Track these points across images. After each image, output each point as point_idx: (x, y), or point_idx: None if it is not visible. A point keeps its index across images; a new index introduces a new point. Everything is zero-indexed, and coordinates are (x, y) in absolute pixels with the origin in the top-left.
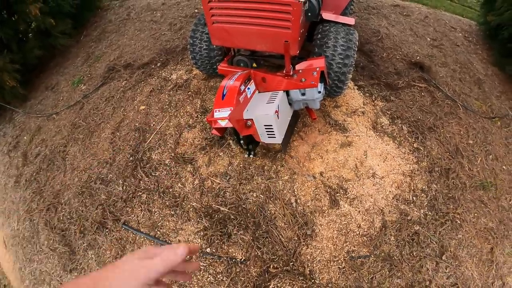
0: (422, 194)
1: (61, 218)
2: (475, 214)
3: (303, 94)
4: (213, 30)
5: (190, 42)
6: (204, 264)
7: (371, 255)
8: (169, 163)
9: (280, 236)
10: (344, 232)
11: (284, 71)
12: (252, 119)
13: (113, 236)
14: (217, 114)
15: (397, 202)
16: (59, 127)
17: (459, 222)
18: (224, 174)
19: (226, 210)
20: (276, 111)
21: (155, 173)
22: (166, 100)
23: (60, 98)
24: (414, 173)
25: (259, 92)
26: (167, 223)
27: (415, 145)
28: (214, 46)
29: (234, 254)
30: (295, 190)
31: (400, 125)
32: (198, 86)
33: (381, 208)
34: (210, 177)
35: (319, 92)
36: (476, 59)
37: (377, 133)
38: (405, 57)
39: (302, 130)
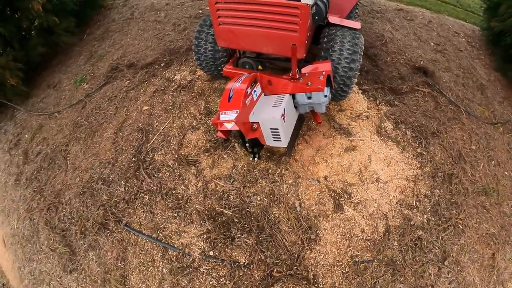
0: (425, 199)
1: (62, 218)
2: (477, 220)
3: (309, 98)
4: (219, 32)
5: (195, 43)
6: (207, 268)
7: (374, 260)
8: (172, 164)
9: (284, 240)
10: (348, 237)
11: (290, 74)
12: (258, 122)
13: (114, 237)
14: (223, 117)
15: (400, 207)
16: (60, 126)
17: (461, 227)
18: (228, 176)
19: (230, 213)
20: (283, 115)
21: (158, 175)
22: (170, 101)
23: (62, 97)
24: (418, 178)
25: (265, 95)
26: (170, 225)
27: (418, 150)
28: (219, 48)
29: (237, 257)
30: (300, 194)
31: (404, 130)
32: (202, 88)
33: (384, 213)
34: (213, 179)
35: (325, 96)
36: (479, 64)
37: (381, 138)
38: (409, 61)
39: (306, 133)
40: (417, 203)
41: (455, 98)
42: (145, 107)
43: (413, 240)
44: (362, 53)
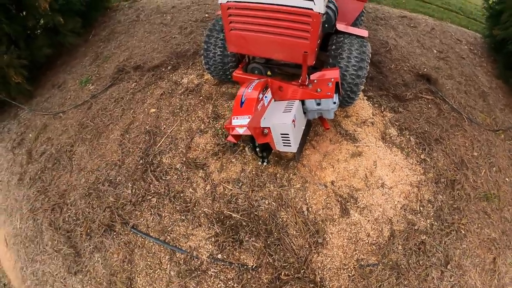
0: (429, 205)
1: (67, 219)
2: (479, 225)
3: (318, 104)
4: (231, 37)
5: (204, 47)
6: (215, 271)
7: (379, 264)
8: (180, 167)
9: (292, 243)
10: (354, 241)
11: (299, 81)
12: (269, 128)
13: (121, 239)
14: (235, 122)
15: (404, 212)
16: (65, 126)
17: (463, 232)
18: (236, 180)
19: (238, 216)
20: (293, 120)
21: (166, 177)
22: (177, 104)
23: (67, 97)
24: (421, 184)
25: (275, 101)
26: (178, 228)
27: (422, 156)
28: (228, 52)
29: (245, 260)
30: (307, 198)
31: (408, 136)
32: (209, 91)
33: (389, 218)
34: (222, 183)
35: (334, 103)
36: (481, 71)
37: (386, 144)
38: (413, 68)
39: (314, 139)
40: (421, 208)
41: (458, 105)
42: (152, 110)
43: (417, 244)
44: (369, 61)
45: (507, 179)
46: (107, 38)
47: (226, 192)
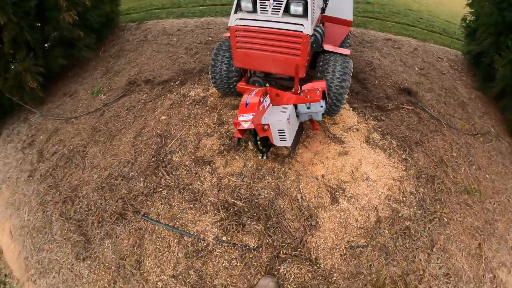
0: (411, 196)
1: (78, 210)
2: (461, 214)
3: (308, 108)
4: (237, 54)
5: (211, 64)
6: (220, 251)
7: (368, 245)
8: (189, 164)
9: (289, 226)
10: (344, 225)
11: (293, 90)
12: (268, 124)
13: (132, 226)
14: (241, 118)
15: (388, 201)
16: (78, 130)
17: (446, 220)
18: (239, 173)
19: (241, 204)
20: (288, 119)
21: (176, 173)
22: (186, 113)
23: (79, 105)
24: (403, 179)
25: (273, 105)
26: (186, 215)
27: (403, 156)
28: (233, 68)
29: (247, 242)
30: (301, 188)
31: (390, 140)
32: (214, 103)
33: (375, 206)
34: (227, 176)
35: (322, 106)
36: (461, 85)
37: (370, 146)
38: (395, 84)
39: (306, 140)
40: (404, 198)
41: (437, 113)
42: (163, 117)
43: (402, 229)
44: (351, 74)
45: (487, 175)
46: (116, 54)
47: (230, 183)
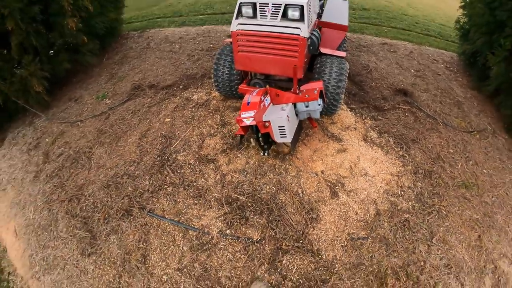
0: (409, 190)
1: (84, 208)
2: (460, 207)
3: (307, 106)
4: (238, 57)
5: (214, 68)
6: (224, 244)
7: (368, 237)
8: (194, 162)
9: (290, 219)
10: (344, 218)
11: (292, 90)
12: (269, 121)
13: (137, 222)
14: (243, 115)
15: (387, 195)
16: (83, 132)
17: (445, 212)
18: (242, 170)
19: (244, 198)
20: (288, 116)
21: (181, 171)
22: (189, 115)
23: (84, 109)
24: (401, 174)
25: (273, 105)
26: (191, 211)
27: (400, 153)
28: (234, 71)
29: (250, 235)
30: (301, 183)
31: (387, 138)
32: (217, 105)
33: (374, 199)
34: (230, 173)
35: (319, 104)
36: (456, 85)
37: (368, 144)
38: (391, 85)
39: (305, 139)
40: (402, 192)
41: (433, 112)
42: (167, 119)
43: (401, 221)
44: (347, 75)
45: (484, 170)
46: (120, 61)
47: (233, 180)
